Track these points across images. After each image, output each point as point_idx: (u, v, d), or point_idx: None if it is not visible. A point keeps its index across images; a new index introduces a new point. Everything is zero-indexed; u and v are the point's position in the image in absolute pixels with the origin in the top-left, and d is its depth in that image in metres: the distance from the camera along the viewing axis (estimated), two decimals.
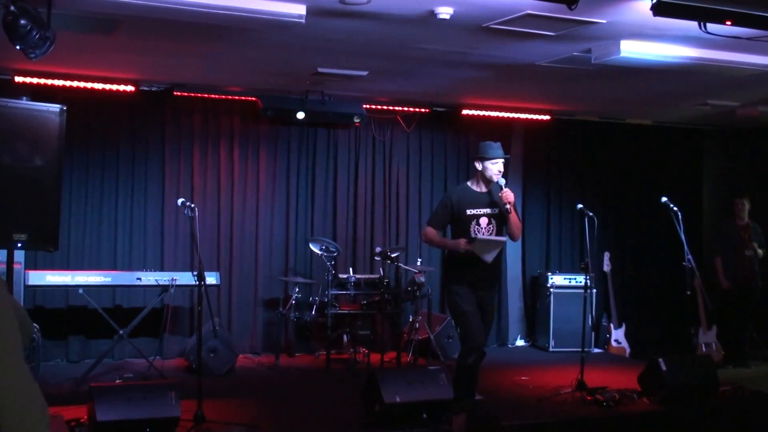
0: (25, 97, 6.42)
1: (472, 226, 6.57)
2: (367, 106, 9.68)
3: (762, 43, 6.21)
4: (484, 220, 6.59)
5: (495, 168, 6.56)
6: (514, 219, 6.61)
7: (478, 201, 6.61)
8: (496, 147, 6.63)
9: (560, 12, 5.49)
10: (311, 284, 9.37)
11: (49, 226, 6.13)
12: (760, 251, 9.71)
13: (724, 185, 11.69)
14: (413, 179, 10.30)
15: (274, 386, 7.97)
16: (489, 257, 6.51)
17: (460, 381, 6.54)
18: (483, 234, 6.54)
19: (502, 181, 6.57)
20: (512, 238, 6.85)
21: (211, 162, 9.41)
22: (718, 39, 6.00)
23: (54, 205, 6.19)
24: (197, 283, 6.27)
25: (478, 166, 6.60)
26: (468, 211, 6.57)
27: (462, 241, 6.47)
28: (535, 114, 10.35)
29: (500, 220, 6.63)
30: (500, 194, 6.53)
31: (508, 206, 6.49)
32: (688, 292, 8.28)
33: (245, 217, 9.53)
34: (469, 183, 6.77)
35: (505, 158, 6.68)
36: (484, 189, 6.64)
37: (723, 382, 7.49)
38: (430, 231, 6.75)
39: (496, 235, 6.61)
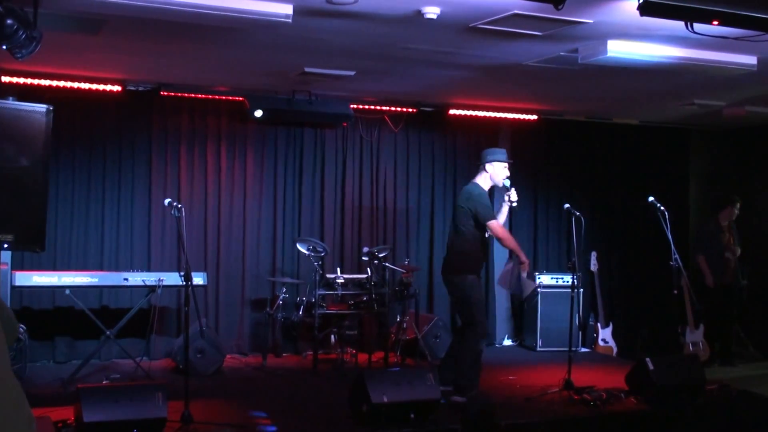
0: (11, 97, 6.39)
1: None
2: (355, 106, 9.67)
3: (749, 42, 6.23)
4: None
5: (506, 171, 7.26)
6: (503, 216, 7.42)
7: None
8: (504, 151, 7.42)
9: (547, 12, 5.50)
10: (298, 284, 9.35)
11: (35, 226, 6.10)
12: (738, 249, 9.81)
13: (711, 185, 11.74)
14: (401, 179, 10.29)
15: (261, 387, 7.96)
16: (517, 284, 7.44)
17: (474, 367, 7.08)
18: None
19: (508, 182, 7.23)
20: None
21: (198, 162, 9.37)
22: (704, 39, 6.01)
23: (40, 205, 6.16)
24: (184, 283, 6.24)
25: (491, 168, 7.21)
26: None
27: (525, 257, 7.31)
28: (522, 114, 10.36)
29: None
30: (507, 193, 7.20)
31: (515, 204, 7.20)
32: (675, 292, 8.30)
33: (232, 217, 9.50)
34: (479, 183, 7.26)
35: (509, 162, 7.37)
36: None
37: (710, 381, 7.53)
38: (499, 224, 7.20)
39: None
